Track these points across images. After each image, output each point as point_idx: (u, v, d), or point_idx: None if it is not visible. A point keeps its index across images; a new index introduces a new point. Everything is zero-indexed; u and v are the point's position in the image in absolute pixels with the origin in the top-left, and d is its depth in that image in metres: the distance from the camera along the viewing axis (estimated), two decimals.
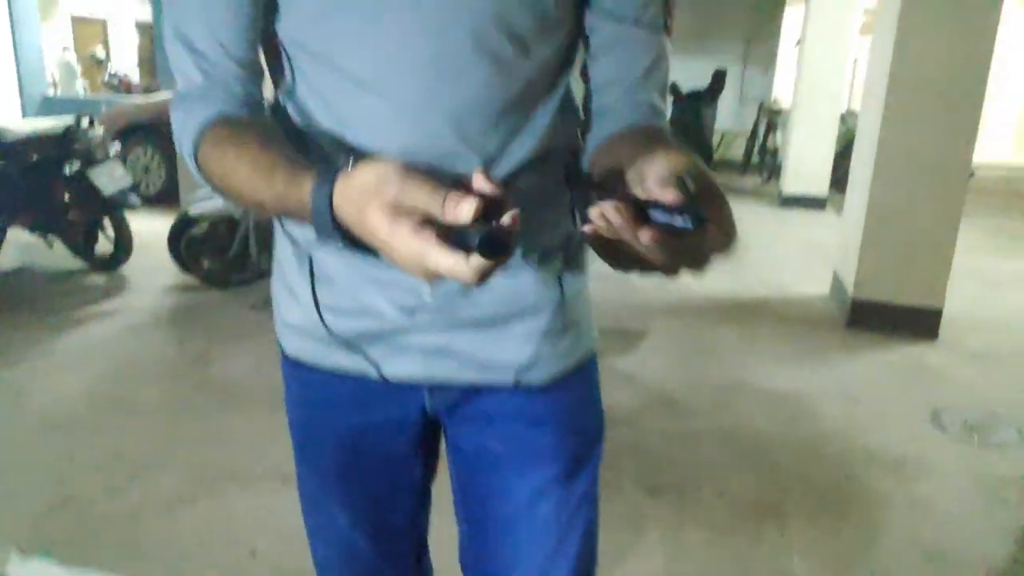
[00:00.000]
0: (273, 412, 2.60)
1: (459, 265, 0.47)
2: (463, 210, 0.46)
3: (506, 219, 0.47)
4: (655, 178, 0.48)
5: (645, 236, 0.46)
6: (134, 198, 4.04)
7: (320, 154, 0.70)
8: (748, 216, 6.94)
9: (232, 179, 0.64)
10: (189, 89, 0.69)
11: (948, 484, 2.41)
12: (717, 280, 4.57)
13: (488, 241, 0.46)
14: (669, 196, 0.46)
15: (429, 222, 0.48)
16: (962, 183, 3.62)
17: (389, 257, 0.50)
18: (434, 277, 0.50)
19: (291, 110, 0.72)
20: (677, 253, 0.47)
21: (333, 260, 0.73)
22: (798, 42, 7.65)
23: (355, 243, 0.54)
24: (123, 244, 4.14)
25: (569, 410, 0.80)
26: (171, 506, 2.12)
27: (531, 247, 0.74)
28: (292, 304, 0.78)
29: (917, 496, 2.32)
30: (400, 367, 0.76)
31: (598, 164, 0.67)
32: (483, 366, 0.76)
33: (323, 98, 0.69)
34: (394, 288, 0.72)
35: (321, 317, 0.76)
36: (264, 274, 4.04)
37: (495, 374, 0.76)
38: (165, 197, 5.98)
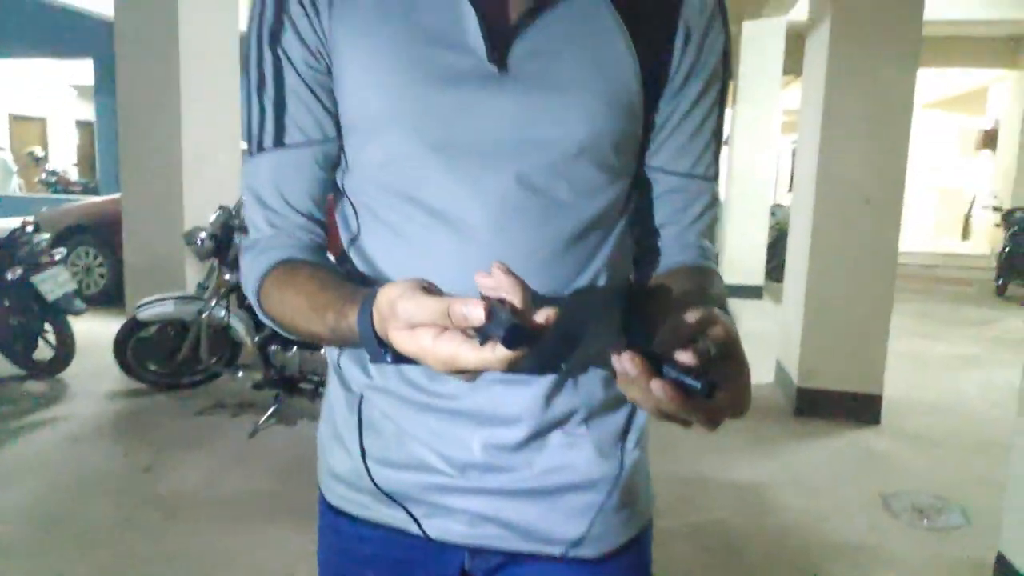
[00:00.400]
0: (226, 530, 2.53)
1: (486, 358, 0.48)
2: (472, 313, 0.47)
3: (539, 317, 0.48)
4: (678, 335, 0.52)
5: (656, 388, 0.49)
6: (79, 303, 3.95)
7: None
8: None
9: (291, 317, 0.68)
10: (257, 238, 0.74)
11: (904, 570, 2.46)
12: None
13: (512, 334, 0.47)
14: (684, 357, 0.50)
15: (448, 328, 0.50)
16: (891, 274, 3.86)
17: (427, 364, 0.52)
18: (470, 376, 0.52)
19: (356, 258, 0.75)
20: (688, 409, 0.51)
21: (382, 409, 0.74)
22: (726, 142, 8.15)
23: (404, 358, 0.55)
24: (65, 349, 4.00)
25: None
26: None
27: (591, 409, 0.73)
28: (339, 451, 0.78)
29: None
30: (444, 527, 0.74)
31: (644, 304, 0.72)
32: (531, 536, 0.73)
33: (393, 230, 0.70)
34: (443, 440, 0.72)
35: (367, 467, 0.75)
36: (215, 376, 3.95)
37: (543, 546, 0.74)
38: (105, 299, 5.84)
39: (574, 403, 0.72)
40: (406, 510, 0.74)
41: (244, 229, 3.43)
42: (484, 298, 0.49)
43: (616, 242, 0.73)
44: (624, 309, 0.76)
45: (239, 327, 3.79)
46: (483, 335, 0.48)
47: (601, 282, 0.71)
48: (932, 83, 11.71)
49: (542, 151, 0.66)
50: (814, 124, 3.84)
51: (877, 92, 3.66)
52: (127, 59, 4.26)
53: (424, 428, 0.72)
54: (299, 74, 0.70)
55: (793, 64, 6.69)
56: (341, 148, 0.73)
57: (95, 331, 4.63)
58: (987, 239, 10.52)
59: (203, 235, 3.50)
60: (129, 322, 3.76)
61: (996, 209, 8.64)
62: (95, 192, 11.55)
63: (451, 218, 0.66)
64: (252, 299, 0.74)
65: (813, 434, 3.70)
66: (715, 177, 0.78)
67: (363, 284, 0.73)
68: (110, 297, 5.86)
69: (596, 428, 0.74)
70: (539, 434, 0.72)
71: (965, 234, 12.34)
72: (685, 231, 0.77)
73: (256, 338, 3.52)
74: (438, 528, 0.74)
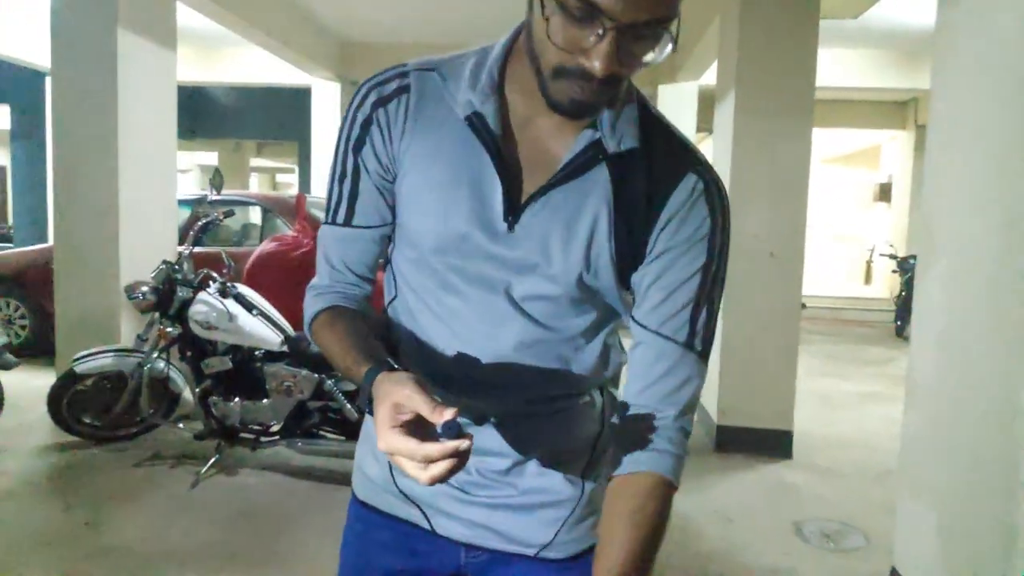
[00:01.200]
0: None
1: (416, 472, 0.70)
2: (446, 415, 0.69)
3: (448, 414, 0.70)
4: None
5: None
6: (11, 358, 3.89)
7: (404, 351, 0.95)
8: None
9: (328, 351, 0.91)
10: (319, 284, 0.97)
11: None
12: None
13: (447, 430, 0.69)
14: None
15: (408, 424, 0.70)
16: (796, 319, 4.23)
17: (377, 433, 0.72)
18: (398, 459, 0.71)
19: (391, 313, 0.97)
20: None
21: None
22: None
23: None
24: None
25: None
26: None
27: (562, 451, 0.94)
28: (372, 462, 1.00)
29: None
30: (448, 527, 0.96)
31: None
32: (512, 540, 0.95)
33: (419, 301, 0.92)
34: None
35: (393, 476, 0.97)
36: (152, 427, 3.95)
37: (520, 547, 0.95)
38: (29, 351, 5.70)
39: (548, 443, 0.94)
40: (420, 509, 0.97)
41: (187, 283, 3.52)
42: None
43: (598, 351, 0.93)
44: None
45: (178, 379, 3.83)
46: (431, 433, 0.71)
47: (580, 382, 0.93)
48: (832, 141, 12.67)
49: (534, 287, 0.87)
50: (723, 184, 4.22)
51: (778, 154, 4.08)
52: (64, 109, 4.28)
53: None
54: (371, 178, 0.91)
55: (706, 123, 7.21)
56: (394, 229, 0.95)
57: (19, 384, 4.54)
58: (886, 284, 11.35)
59: (145, 288, 3.55)
60: (66, 375, 3.74)
61: (892, 256, 9.36)
62: (7, 240, 11.15)
63: (457, 314, 0.89)
64: (306, 328, 0.96)
65: (731, 468, 3.98)
66: (688, 343, 0.85)
67: (389, 337, 0.96)
68: (32, 349, 5.73)
69: (564, 462, 0.95)
70: (518, 464, 0.94)
71: (867, 279, 13.23)
72: (651, 396, 0.86)
73: (197, 389, 3.56)
74: (443, 526, 0.96)
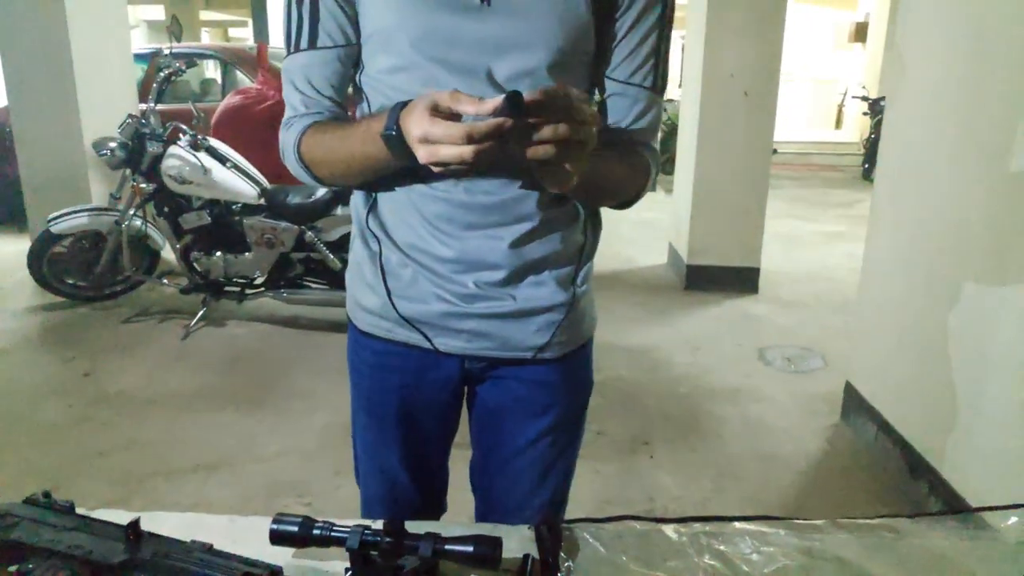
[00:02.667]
0: (176, 419, 2.73)
1: (454, 129, 0.69)
2: (488, 106, 0.69)
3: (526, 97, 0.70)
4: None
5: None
6: None
7: None
8: None
9: (329, 152, 0.92)
10: (293, 115, 0.97)
11: (774, 404, 2.97)
12: None
13: (509, 99, 0.68)
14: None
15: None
16: (767, 161, 4.29)
17: (425, 142, 0.72)
18: (453, 163, 0.72)
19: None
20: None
21: (398, 260, 0.99)
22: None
23: (409, 155, 0.77)
24: None
25: (569, 378, 1.07)
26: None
27: (552, 258, 0.99)
28: (368, 293, 1.03)
29: (751, 416, 2.86)
30: (448, 343, 1.01)
31: None
32: (510, 346, 1.01)
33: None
34: (448, 281, 0.97)
35: (392, 302, 1.01)
36: (135, 285, 4.01)
37: (519, 352, 1.02)
38: None
39: (539, 254, 0.99)
40: (421, 332, 1.02)
41: (156, 137, 3.46)
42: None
43: None
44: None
45: (157, 236, 3.85)
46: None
47: None
48: None
49: (514, 64, 0.89)
50: (699, 22, 4.14)
51: None
52: None
53: (432, 274, 0.98)
54: None
55: None
56: (360, 51, 0.95)
57: None
58: (857, 128, 11.36)
59: (113, 144, 3.49)
60: (42, 236, 3.73)
61: (864, 99, 9.32)
62: None
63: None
64: (292, 155, 0.96)
65: (700, 304, 4.19)
66: (654, 87, 0.97)
67: None
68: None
69: (555, 272, 1.01)
70: (515, 275, 0.99)
71: (838, 123, 13.21)
72: (628, 130, 0.98)
73: (178, 245, 3.59)
74: (444, 344, 1.02)
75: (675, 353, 3.47)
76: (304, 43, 0.93)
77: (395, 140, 0.79)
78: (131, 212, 3.65)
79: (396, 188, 0.97)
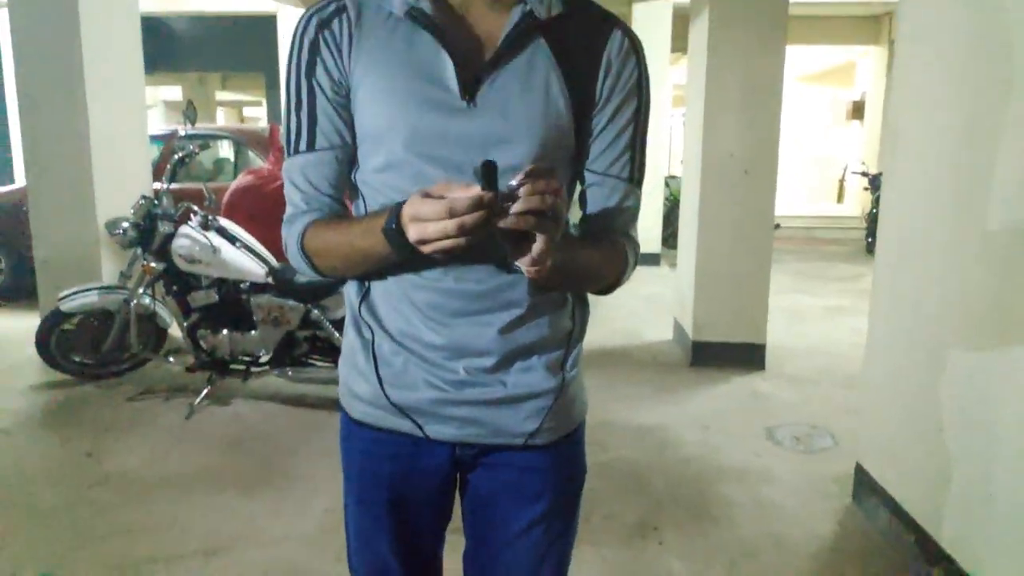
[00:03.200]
0: (177, 501, 2.69)
1: (439, 206, 0.74)
2: (472, 190, 0.73)
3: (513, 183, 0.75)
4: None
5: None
6: None
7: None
8: None
9: (330, 246, 0.96)
10: (295, 212, 1.01)
11: (784, 486, 2.91)
12: None
13: (486, 169, 0.72)
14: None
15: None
16: (768, 238, 4.34)
17: (415, 221, 0.77)
18: (446, 249, 0.76)
19: None
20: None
21: (390, 349, 1.01)
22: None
23: (406, 248, 0.82)
24: None
25: (561, 465, 1.07)
26: None
27: (541, 344, 1.01)
28: (361, 381, 1.05)
29: (762, 498, 2.80)
30: (440, 430, 1.02)
31: None
32: (501, 433, 1.02)
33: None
34: (439, 368, 0.99)
35: (384, 390, 1.02)
36: (142, 363, 4.02)
37: (509, 439, 1.02)
38: (7, 293, 5.70)
39: (528, 340, 1.01)
40: (411, 419, 1.03)
41: (167, 217, 3.53)
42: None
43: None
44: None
45: (165, 314, 3.88)
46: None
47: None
48: (807, 58, 12.59)
49: (500, 160, 0.88)
50: (698, 102, 4.26)
51: (751, 71, 4.10)
52: (24, 43, 4.16)
53: (423, 362, 1.00)
54: (327, 98, 0.96)
55: (680, 43, 7.15)
56: (355, 152, 1.00)
57: (2, 327, 4.55)
58: (858, 202, 11.51)
59: (126, 224, 3.56)
60: (52, 314, 3.77)
61: (864, 174, 9.49)
62: None
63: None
64: (295, 249, 1.00)
65: (707, 381, 4.16)
66: (631, 178, 1.02)
67: None
68: (12, 292, 5.73)
69: (544, 358, 1.03)
70: (504, 361, 1.00)
71: (840, 197, 13.39)
72: (607, 219, 1.02)
73: (185, 323, 3.62)
74: (435, 431, 1.03)
75: (683, 432, 3.43)
76: (303, 146, 0.98)
77: (394, 233, 0.83)
78: (140, 290, 3.70)
79: (388, 278, 1.00)
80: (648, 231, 8.06)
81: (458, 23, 0.94)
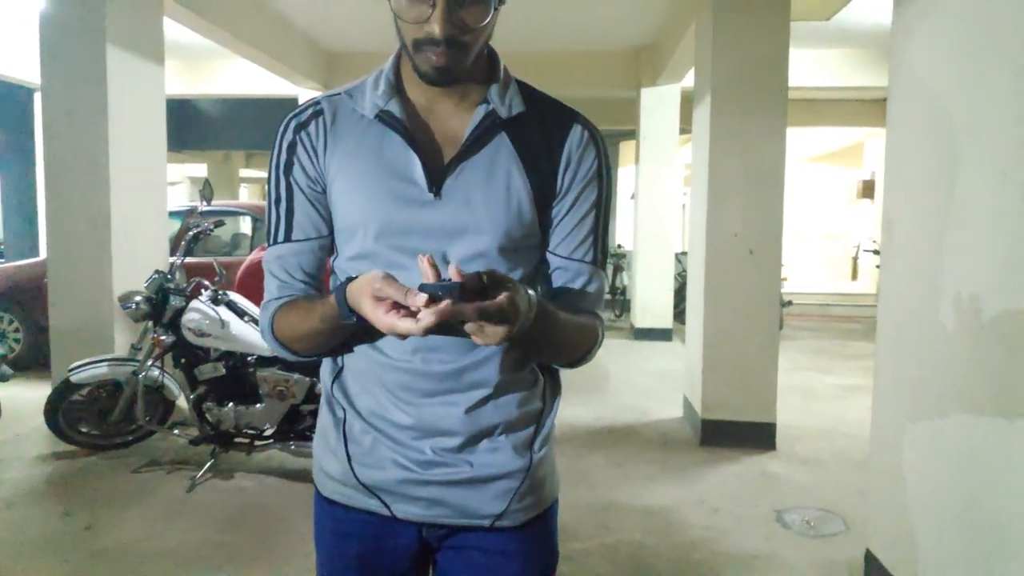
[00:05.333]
0: (174, 574, 2.64)
1: (411, 326, 0.76)
2: (419, 300, 0.76)
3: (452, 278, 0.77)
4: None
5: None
6: (7, 370, 3.96)
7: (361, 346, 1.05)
8: (608, 349, 7.59)
9: (295, 326, 1.01)
10: (269, 298, 1.07)
11: (793, 573, 2.82)
12: (588, 408, 5.02)
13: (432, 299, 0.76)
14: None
15: (398, 305, 0.79)
16: (776, 315, 4.33)
17: (374, 322, 0.80)
18: (401, 335, 0.79)
19: None
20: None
21: (360, 427, 1.04)
22: (632, 196, 8.73)
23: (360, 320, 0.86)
24: None
25: (531, 547, 1.07)
26: None
27: (508, 424, 1.03)
28: (331, 459, 1.07)
29: None
30: (407, 510, 1.03)
31: None
32: (467, 514, 1.02)
33: None
34: (406, 448, 1.01)
35: (352, 469, 1.04)
36: (148, 435, 4.02)
37: (476, 520, 1.03)
38: (23, 364, 5.77)
39: (495, 420, 1.03)
40: (379, 498, 1.04)
41: (179, 292, 3.61)
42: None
43: None
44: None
45: (173, 386, 3.91)
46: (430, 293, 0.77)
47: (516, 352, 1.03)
48: (817, 139, 12.82)
49: (466, 248, 0.98)
50: (702, 184, 4.34)
51: (753, 155, 4.19)
52: (54, 125, 4.34)
53: (391, 441, 1.02)
54: (304, 194, 1.03)
55: (689, 124, 7.35)
56: (333, 240, 1.06)
57: (15, 397, 4.60)
58: (872, 279, 11.49)
59: (138, 298, 3.64)
60: (61, 385, 3.81)
61: (876, 252, 9.51)
62: None
63: None
64: (269, 335, 1.05)
65: (716, 461, 4.08)
66: (595, 261, 1.06)
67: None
68: (27, 362, 5.81)
69: (512, 438, 1.04)
70: (471, 441, 1.02)
71: (854, 275, 13.38)
72: (574, 303, 1.05)
73: (191, 396, 3.64)
74: (402, 511, 1.04)
75: (691, 514, 3.35)
76: (281, 237, 1.05)
77: (352, 318, 0.88)
78: (149, 363, 3.74)
79: (360, 358, 1.03)
80: (660, 306, 8.08)
81: (425, 122, 1.01)
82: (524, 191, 0.99)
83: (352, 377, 1.05)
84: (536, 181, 1.00)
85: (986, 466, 1.99)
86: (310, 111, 1.04)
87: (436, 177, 0.97)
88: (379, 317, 0.80)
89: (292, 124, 1.04)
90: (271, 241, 1.06)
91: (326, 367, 1.09)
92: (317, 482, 1.11)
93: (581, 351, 1.05)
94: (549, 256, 1.06)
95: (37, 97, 7.46)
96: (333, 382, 1.07)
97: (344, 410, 1.06)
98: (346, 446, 1.05)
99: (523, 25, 6.63)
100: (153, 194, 4.74)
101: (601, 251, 1.07)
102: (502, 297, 0.77)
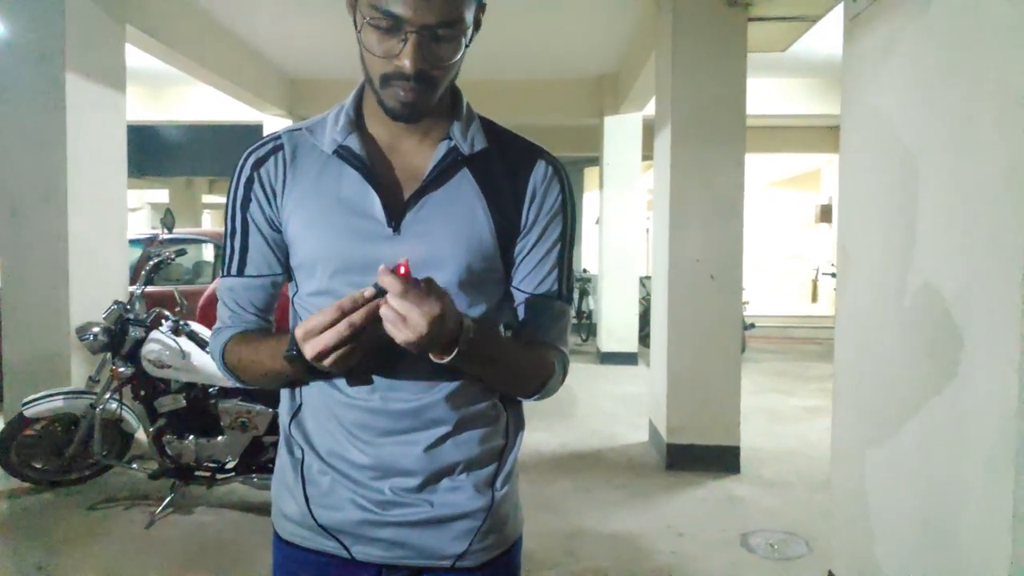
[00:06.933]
0: None
1: (328, 316, 0.83)
2: (367, 292, 0.84)
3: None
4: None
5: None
6: None
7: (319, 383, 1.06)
8: (574, 373, 7.58)
9: (244, 363, 1.02)
10: (221, 326, 1.08)
11: None
12: (554, 434, 5.02)
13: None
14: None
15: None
16: (737, 339, 4.40)
17: (317, 340, 0.84)
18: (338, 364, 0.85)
19: None
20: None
21: (318, 468, 1.03)
22: (597, 221, 8.83)
23: (310, 371, 0.90)
24: None
25: None
26: None
27: (469, 462, 1.02)
28: (289, 500, 1.05)
29: None
30: (366, 551, 1.01)
31: None
32: (428, 555, 1.01)
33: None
34: (365, 488, 1.00)
35: (311, 511, 1.02)
36: (105, 469, 3.92)
37: (437, 561, 1.01)
38: None
39: (456, 458, 1.02)
40: (338, 540, 1.02)
41: (139, 323, 3.54)
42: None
43: None
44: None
45: (131, 419, 3.82)
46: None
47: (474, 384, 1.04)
48: (776, 165, 13.12)
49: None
50: (663, 211, 4.41)
51: (713, 182, 4.29)
52: (9, 151, 4.25)
53: (349, 481, 1.01)
54: (260, 231, 1.04)
55: (651, 151, 7.48)
56: (291, 278, 1.06)
57: None
58: (832, 302, 11.73)
59: (96, 329, 3.56)
60: (14, 420, 3.70)
61: (833, 275, 9.72)
62: None
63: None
64: (219, 361, 1.06)
65: (681, 485, 4.11)
66: (560, 295, 1.07)
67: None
68: None
69: (473, 476, 1.03)
70: (430, 480, 1.01)
71: (814, 297, 13.64)
72: (536, 333, 1.06)
73: (151, 428, 3.56)
74: (361, 552, 1.02)
75: (658, 540, 3.36)
76: (235, 271, 1.06)
77: (295, 358, 0.89)
78: (107, 395, 3.65)
79: (317, 397, 1.03)
80: (625, 330, 8.14)
81: (387, 158, 1.02)
82: (487, 226, 1.00)
83: (310, 415, 1.04)
84: (499, 216, 1.01)
85: (941, 485, 2.03)
86: (269, 146, 1.04)
87: (396, 212, 0.98)
88: (307, 323, 0.85)
89: (250, 160, 1.04)
90: (225, 272, 1.07)
91: (284, 406, 1.08)
92: (275, 524, 1.09)
93: (536, 382, 1.05)
94: (514, 291, 1.06)
95: None
96: (291, 421, 1.07)
97: (302, 449, 1.05)
98: (304, 487, 1.04)
99: (489, 53, 6.71)
100: (113, 221, 4.66)
101: (566, 285, 1.08)
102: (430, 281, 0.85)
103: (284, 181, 1.02)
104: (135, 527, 3.41)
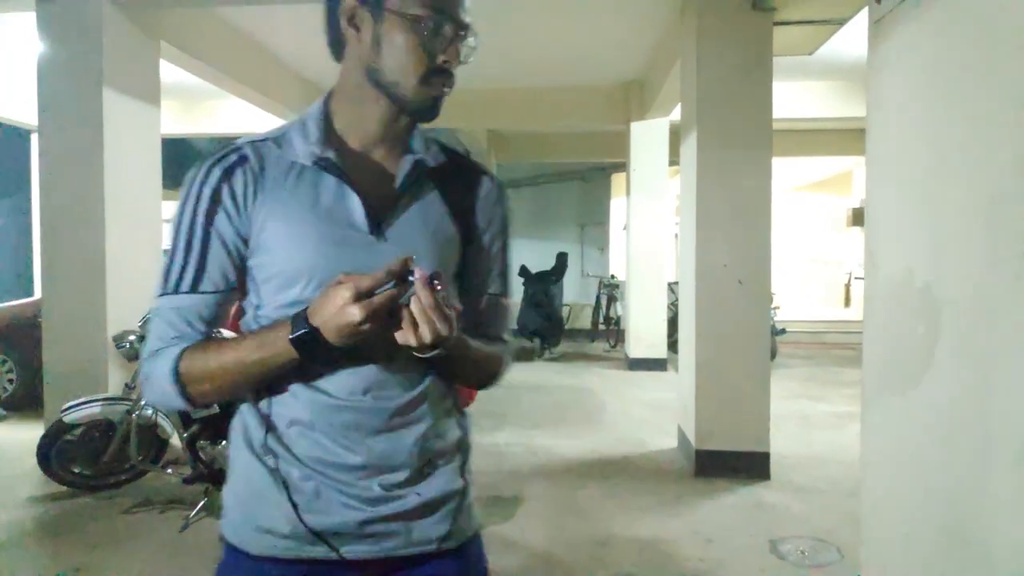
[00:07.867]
0: None
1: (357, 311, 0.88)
2: (397, 263, 0.89)
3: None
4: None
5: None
6: (0, 410, 3.96)
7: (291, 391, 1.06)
8: (603, 379, 7.61)
9: (212, 367, 0.97)
10: (162, 344, 1.01)
11: None
12: (583, 440, 5.02)
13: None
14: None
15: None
16: (766, 344, 4.36)
17: (329, 299, 0.89)
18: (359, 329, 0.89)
19: None
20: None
21: (300, 474, 1.01)
22: (624, 227, 8.81)
23: (316, 351, 0.92)
24: None
25: (470, 566, 1.13)
26: None
27: (444, 451, 1.09)
28: (272, 512, 1.01)
29: None
30: (356, 550, 1.02)
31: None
32: (414, 541, 1.05)
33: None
34: (355, 487, 1.01)
35: (301, 518, 1.00)
36: (141, 474, 4.01)
37: (424, 546, 1.06)
38: (16, 404, 5.75)
39: (436, 449, 1.08)
40: (328, 543, 1.02)
41: None
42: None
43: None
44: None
45: (166, 425, 3.90)
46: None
47: (437, 383, 1.09)
48: (804, 169, 12.97)
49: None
50: (690, 217, 4.40)
51: (740, 187, 4.26)
52: (50, 166, 4.39)
53: (337, 483, 1.02)
54: (224, 244, 1.01)
55: (678, 156, 7.45)
56: (251, 291, 1.04)
57: (7, 437, 4.57)
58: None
59: (132, 337, 3.65)
60: (54, 425, 3.80)
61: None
62: None
63: None
64: (165, 380, 0.99)
65: (711, 491, 4.08)
66: (502, 293, 1.19)
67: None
68: (20, 402, 5.78)
69: (450, 464, 1.10)
70: (417, 472, 1.06)
71: (847, 302, 13.43)
72: (484, 327, 1.15)
73: (185, 434, 3.64)
74: (350, 551, 1.03)
75: (686, 546, 3.34)
76: (185, 287, 1.01)
77: (308, 337, 0.91)
78: (143, 402, 3.74)
79: (296, 404, 1.01)
80: (654, 336, 8.10)
81: (361, 167, 1.06)
82: (454, 231, 1.10)
83: (286, 424, 1.02)
84: (459, 221, 1.11)
85: (972, 500, 2.00)
86: (235, 156, 1.02)
87: (376, 220, 1.03)
88: (337, 291, 0.88)
89: (215, 171, 1.01)
90: (169, 288, 1.01)
91: (251, 419, 1.05)
92: (241, 540, 1.04)
93: (490, 372, 1.17)
94: (468, 290, 1.15)
95: (34, 138, 7.54)
96: (266, 433, 1.03)
97: (276, 458, 1.02)
98: (289, 495, 1.01)
99: (517, 62, 6.75)
100: (148, 233, 4.78)
101: (507, 284, 1.21)
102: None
103: (255, 191, 1.01)
104: (170, 530, 3.48)
